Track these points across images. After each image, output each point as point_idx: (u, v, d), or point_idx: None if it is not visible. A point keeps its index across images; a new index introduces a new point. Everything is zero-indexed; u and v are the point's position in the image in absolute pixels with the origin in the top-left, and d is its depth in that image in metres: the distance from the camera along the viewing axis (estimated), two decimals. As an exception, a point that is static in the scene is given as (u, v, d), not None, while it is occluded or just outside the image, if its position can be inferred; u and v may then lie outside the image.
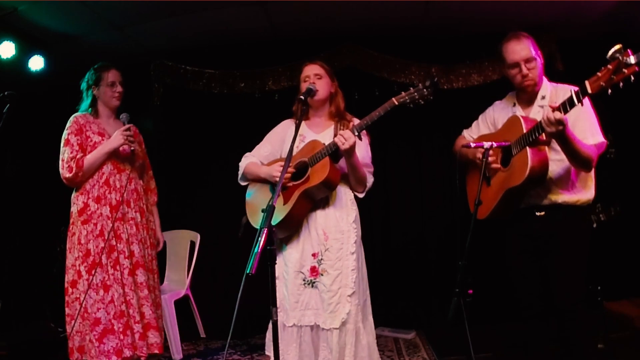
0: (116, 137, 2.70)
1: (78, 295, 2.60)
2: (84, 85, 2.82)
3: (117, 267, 2.63)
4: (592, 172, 2.25)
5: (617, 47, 1.78)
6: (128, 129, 2.71)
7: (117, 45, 3.90)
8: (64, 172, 2.66)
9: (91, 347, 2.55)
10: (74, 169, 2.63)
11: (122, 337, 2.57)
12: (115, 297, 2.59)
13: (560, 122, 1.91)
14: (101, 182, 2.71)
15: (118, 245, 2.66)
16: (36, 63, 3.59)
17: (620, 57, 1.77)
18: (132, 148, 2.74)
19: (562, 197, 2.22)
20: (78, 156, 2.66)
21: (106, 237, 2.63)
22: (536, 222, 2.26)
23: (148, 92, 4.14)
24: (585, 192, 2.24)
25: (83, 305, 2.56)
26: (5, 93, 2.42)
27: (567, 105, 1.92)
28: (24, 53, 3.50)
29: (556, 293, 2.21)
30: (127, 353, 2.57)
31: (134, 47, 3.99)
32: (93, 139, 2.73)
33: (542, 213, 2.25)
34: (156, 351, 2.68)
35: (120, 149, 2.73)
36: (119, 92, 2.81)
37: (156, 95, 4.18)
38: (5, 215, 4.22)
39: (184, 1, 3.36)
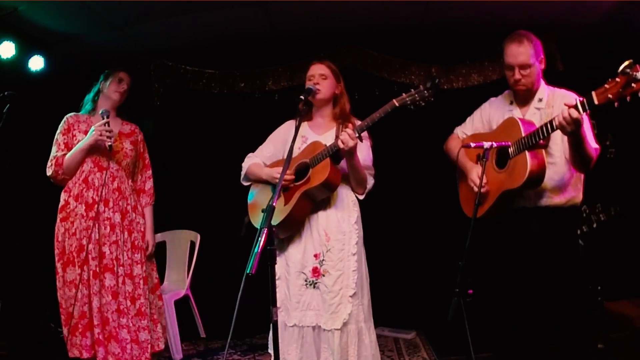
0: (91, 133, 2.65)
1: (57, 290, 2.66)
2: (95, 86, 2.85)
3: (85, 268, 2.61)
4: (582, 176, 2.28)
5: (627, 62, 1.79)
6: (105, 124, 2.66)
7: (117, 45, 3.90)
8: (47, 171, 2.71)
9: (66, 341, 2.60)
10: (53, 167, 2.67)
11: (81, 338, 2.58)
12: (78, 297, 2.58)
13: (577, 121, 1.92)
14: (80, 180, 2.70)
15: (88, 245, 2.62)
16: (36, 63, 3.58)
17: (630, 72, 1.77)
18: (109, 143, 2.66)
19: (553, 200, 2.24)
20: (59, 154, 2.68)
21: (78, 236, 2.62)
22: (529, 224, 2.27)
23: (148, 92, 4.14)
24: (575, 194, 2.27)
25: (59, 301, 2.64)
26: (5, 93, 2.43)
27: (586, 105, 1.92)
28: (24, 53, 3.49)
29: (553, 296, 2.22)
30: (85, 355, 2.56)
31: (134, 47, 3.99)
32: (78, 137, 2.72)
33: (534, 215, 2.26)
34: None
35: (102, 145, 2.69)
36: (124, 89, 2.82)
37: (156, 95, 4.18)
38: (5, 215, 4.22)
39: (184, 1, 3.36)
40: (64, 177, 2.70)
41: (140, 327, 2.69)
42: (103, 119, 2.69)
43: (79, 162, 2.69)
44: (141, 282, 2.74)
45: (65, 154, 2.69)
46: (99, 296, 2.60)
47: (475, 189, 2.21)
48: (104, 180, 2.68)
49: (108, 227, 2.67)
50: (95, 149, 2.69)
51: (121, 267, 2.68)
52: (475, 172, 2.31)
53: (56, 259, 2.67)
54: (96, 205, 2.65)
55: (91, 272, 2.61)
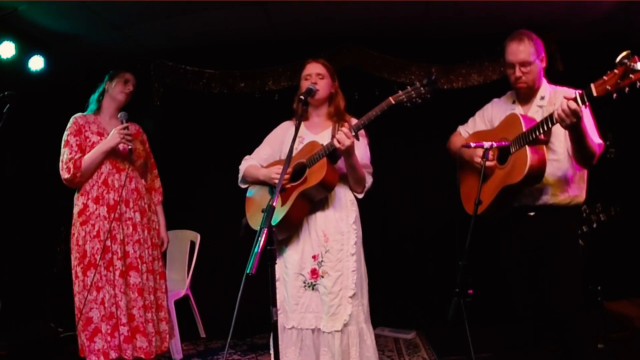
0: (113, 135, 2.69)
1: (75, 295, 2.65)
2: (100, 86, 2.86)
3: (110, 269, 2.63)
4: (585, 174, 2.27)
5: (625, 53, 1.79)
6: (125, 128, 2.71)
7: (117, 45, 3.90)
8: (63, 174, 2.67)
9: (84, 346, 2.61)
10: (72, 170, 2.64)
11: (109, 338, 2.58)
12: (106, 299, 2.59)
13: (576, 113, 1.91)
14: (100, 182, 2.70)
15: (112, 246, 2.65)
16: (36, 63, 3.58)
17: (628, 63, 1.77)
18: (130, 147, 2.71)
19: (556, 198, 2.23)
20: (76, 157, 2.66)
21: (102, 238, 2.63)
22: (529, 223, 2.27)
23: (148, 92, 4.13)
24: (578, 193, 2.26)
25: (78, 305, 2.62)
26: (5, 93, 2.43)
27: (585, 97, 1.91)
28: (24, 53, 3.50)
29: (553, 296, 2.21)
30: (113, 355, 2.57)
31: (134, 47, 3.99)
32: (92, 139, 2.73)
33: (534, 214, 2.25)
34: (142, 356, 2.64)
35: (120, 147, 2.72)
36: (130, 90, 2.85)
37: (156, 95, 4.18)
38: (5, 215, 4.22)
39: (184, 1, 3.36)
40: (81, 179, 2.70)
41: (160, 319, 2.81)
42: (122, 122, 2.73)
43: (99, 164, 2.70)
44: (158, 277, 2.85)
45: (82, 157, 2.68)
46: (126, 295, 2.64)
47: (481, 162, 2.17)
48: (124, 181, 2.71)
49: (130, 227, 2.73)
50: (113, 151, 2.72)
51: (144, 264, 2.75)
52: (479, 151, 2.27)
53: (76, 262, 2.66)
54: (118, 206, 2.68)
55: (117, 271, 2.63)
